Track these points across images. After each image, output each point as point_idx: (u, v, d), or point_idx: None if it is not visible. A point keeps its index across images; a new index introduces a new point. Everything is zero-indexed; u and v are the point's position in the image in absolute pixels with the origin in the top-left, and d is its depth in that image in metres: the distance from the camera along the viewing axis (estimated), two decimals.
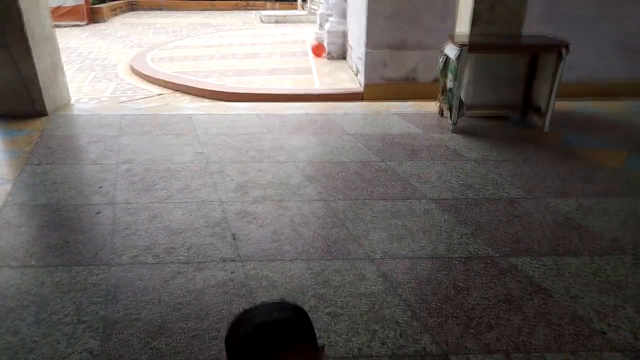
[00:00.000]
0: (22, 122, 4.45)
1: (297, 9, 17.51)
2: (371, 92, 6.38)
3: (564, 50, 4.07)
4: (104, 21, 15.57)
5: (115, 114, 4.85)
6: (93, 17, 15.34)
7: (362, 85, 6.46)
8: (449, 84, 4.35)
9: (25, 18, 4.35)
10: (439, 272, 2.34)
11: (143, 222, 2.80)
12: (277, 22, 15.37)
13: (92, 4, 16.06)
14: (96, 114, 4.88)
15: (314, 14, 15.33)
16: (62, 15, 13.93)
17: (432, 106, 5.15)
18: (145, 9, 19.21)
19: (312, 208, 2.98)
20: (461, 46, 4.08)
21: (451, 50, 4.29)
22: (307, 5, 15.98)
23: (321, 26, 10.45)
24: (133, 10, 19.07)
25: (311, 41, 10.14)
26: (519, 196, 3.14)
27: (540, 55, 4.48)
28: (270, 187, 3.25)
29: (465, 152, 3.91)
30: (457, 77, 4.19)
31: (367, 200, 3.08)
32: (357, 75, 7.12)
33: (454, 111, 4.31)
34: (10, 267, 2.37)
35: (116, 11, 17.41)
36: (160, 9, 19.31)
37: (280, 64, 8.23)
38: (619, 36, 6.17)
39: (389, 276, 2.31)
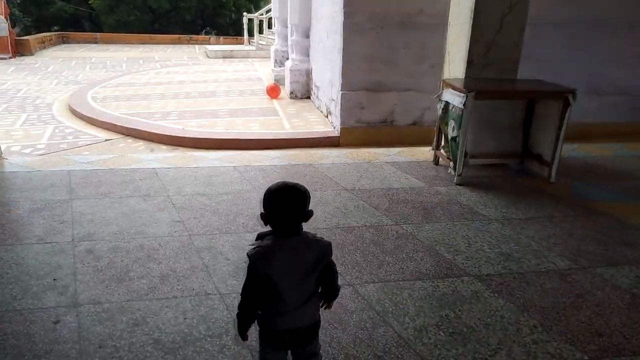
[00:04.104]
0: None
1: (243, 43, 17.09)
2: (348, 136, 5.95)
3: (571, 97, 3.87)
4: (32, 54, 14.25)
5: (60, 170, 4.04)
6: (19, 50, 13.99)
7: (338, 128, 6.03)
8: (452, 133, 4.00)
9: None
10: None
11: (122, 333, 2.09)
12: (224, 57, 14.81)
13: (17, 36, 14.72)
14: (36, 170, 4.03)
15: (262, 49, 14.99)
16: None
17: (422, 153, 4.81)
18: (78, 42, 17.95)
19: (339, 297, 2.40)
20: (467, 93, 3.75)
21: (452, 97, 3.96)
22: (255, 41, 15.61)
23: (276, 62, 10.05)
24: (64, 42, 17.77)
25: (268, 79, 9.69)
26: (567, 267, 2.75)
27: (538, 100, 4.28)
28: None
29: (482, 209, 3.52)
30: (461, 126, 3.85)
31: (400, 282, 2.55)
32: (327, 116, 6.70)
33: (459, 162, 3.96)
34: None
35: (45, 44, 16.07)
36: (95, 42, 18.15)
37: (241, 104, 7.64)
38: (586, 78, 6.25)
39: None
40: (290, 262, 1.46)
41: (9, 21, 13.88)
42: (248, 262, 1.47)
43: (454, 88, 3.97)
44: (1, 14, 13.52)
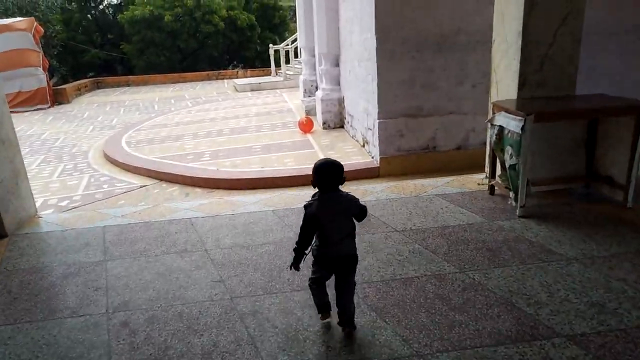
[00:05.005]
0: None
1: (270, 75, 17.17)
2: (387, 165, 5.65)
3: None
4: (69, 102, 14.70)
5: (95, 227, 3.87)
6: (57, 99, 14.47)
7: (377, 158, 5.73)
8: (510, 160, 3.61)
9: None
10: None
11: None
12: (252, 90, 14.88)
13: (54, 85, 15.26)
14: (70, 228, 3.88)
15: (289, 79, 14.97)
16: (23, 101, 13.01)
17: (473, 182, 4.42)
18: (111, 86, 18.49)
19: None
20: (525, 116, 3.38)
21: (507, 121, 3.59)
22: (282, 71, 15.63)
23: (306, 92, 9.90)
24: (99, 88, 18.33)
25: (299, 109, 9.54)
26: None
27: (602, 118, 3.85)
28: (333, 339, 2.30)
29: (556, 246, 3.10)
30: (520, 152, 3.47)
31: (479, 349, 2.17)
32: (364, 146, 6.42)
33: (521, 191, 3.56)
34: None
35: (81, 91, 16.61)
36: (128, 85, 18.65)
37: (274, 139, 7.47)
38: None
39: None
40: (331, 209, 2.18)
41: (47, 73, 14.41)
42: (304, 211, 2.20)
43: (507, 111, 3.61)
44: (39, 67, 14.06)
